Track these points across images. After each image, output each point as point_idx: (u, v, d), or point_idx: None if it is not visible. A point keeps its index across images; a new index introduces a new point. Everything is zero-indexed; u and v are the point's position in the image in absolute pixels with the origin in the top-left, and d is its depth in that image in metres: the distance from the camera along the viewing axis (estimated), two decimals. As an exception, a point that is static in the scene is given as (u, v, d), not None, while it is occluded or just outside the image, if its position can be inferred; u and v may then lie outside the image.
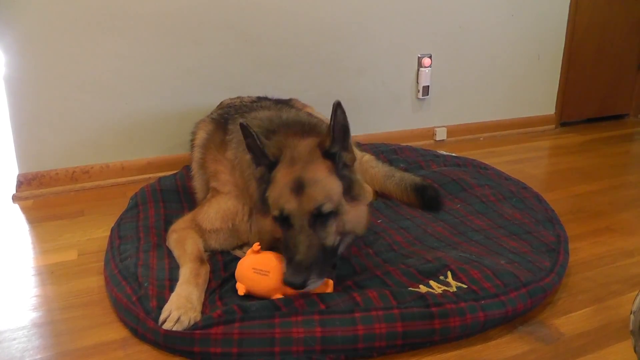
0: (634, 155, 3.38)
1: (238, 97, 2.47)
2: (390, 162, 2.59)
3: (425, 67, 3.28)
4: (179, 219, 1.86)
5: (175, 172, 2.50)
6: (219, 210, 1.79)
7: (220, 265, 1.73)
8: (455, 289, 1.54)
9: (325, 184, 1.50)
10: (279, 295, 1.50)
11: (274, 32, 2.85)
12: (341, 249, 1.62)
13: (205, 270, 1.61)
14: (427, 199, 2.18)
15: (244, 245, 1.83)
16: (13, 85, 2.45)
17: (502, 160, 3.07)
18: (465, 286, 1.55)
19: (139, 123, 2.69)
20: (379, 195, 2.32)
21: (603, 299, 1.66)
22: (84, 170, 2.64)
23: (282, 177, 1.52)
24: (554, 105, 3.83)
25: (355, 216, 1.58)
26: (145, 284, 1.56)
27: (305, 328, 1.38)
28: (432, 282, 1.58)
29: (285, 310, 1.43)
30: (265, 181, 1.57)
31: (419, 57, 3.28)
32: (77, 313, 1.59)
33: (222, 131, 1.95)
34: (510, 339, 1.48)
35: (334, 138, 1.52)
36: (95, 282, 1.76)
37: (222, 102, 2.48)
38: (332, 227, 1.51)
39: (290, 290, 1.48)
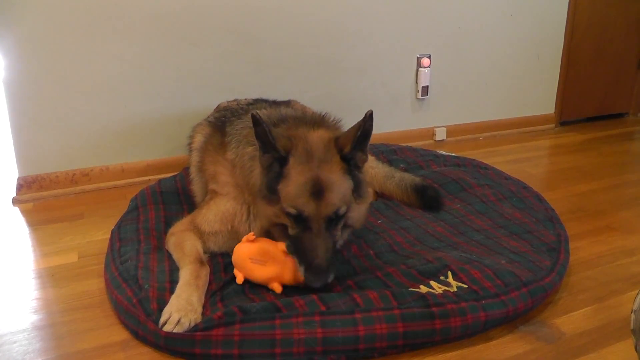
0: (634, 154, 3.38)
1: (235, 100, 2.47)
2: (390, 163, 2.59)
3: (425, 67, 3.29)
4: (177, 222, 1.86)
5: (175, 174, 2.50)
6: (217, 213, 1.79)
7: (221, 267, 1.73)
8: (455, 289, 1.54)
9: (341, 187, 1.54)
10: (276, 284, 1.55)
11: (273, 33, 2.85)
12: (340, 243, 1.69)
13: (205, 272, 1.61)
14: (427, 199, 2.18)
15: None
16: (13, 88, 2.45)
17: (502, 159, 3.07)
18: (465, 286, 1.55)
19: (139, 125, 2.69)
20: (379, 195, 2.32)
21: (604, 298, 1.66)
22: (84, 172, 2.64)
23: (298, 175, 1.51)
24: (554, 104, 3.83)
25: (359, 213, 1.65)
26: (146, 286, 1.56)
27: (306, 329, 1.37)
28: (432, 283, 1.58)
29: (285, 312, 1.43)
30: (274, 172, 1.56)
31: (418, 58, 3.28)
32: (77, 315, 1.59)
33: (220, 134, 1.95)
34: (511, 339, 1.48)
35: (356, 142, 1.54)
36: (95, 285, 1.76)
37: (219, 105, 2.49)
38: (341, 225, 1.58)
39: (286, 279, 1.55)
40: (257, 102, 2.31)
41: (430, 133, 3.46)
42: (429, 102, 3.40)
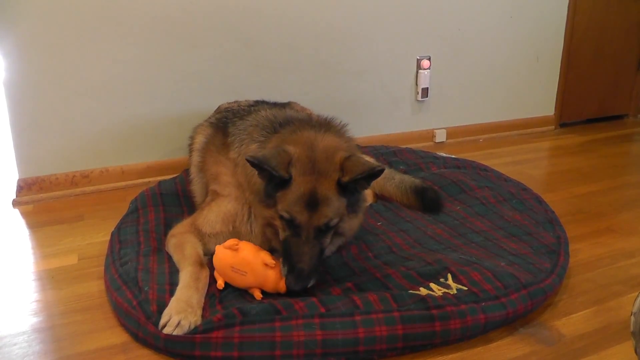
0: (634, 155, 3.38)
1: (235, 102, 2.47)
2: (390, 164, 2.59)
3: (425, 69, 3.29)
4: (177, 224, 1.86)
5: (175, 175, 2.50)
6: (219, 214, 1.79)
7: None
8: (455, 291, 1.54)
9: (336, 202, 1.55)
10: (256, 290, 1.58)
11: (273, 35, 2.86)
12: (332, 250, 1.72)
13: (205, 274, 1.61)
14: (427, 201, 2.18)
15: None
16: (13, 89, 2.45)
17: (501, 161, 3.07)
18: (465, 288, 1.55)
19: (139, 127, 2.69)
20: (379, 197, 2.32)
21: (603, 300, 1.66)
22: (83, 174, 2.64)
23: (297, 186, 1.52)
24: (554, 106, 3.83)
25: (351, 225, 1.66)
26: (146, 288, 1.56)
27: (306, 331, 1.38)
28: (432, 285, 1.58)
29: (285, 314, 1.43)
30: (274, 182, 1.55)
31: (418, 59, 3.28)
32: (77, 318, 1.59)
33: (222, 134, 1.96)
34: (511, 341, 1.48)
35: (359, 179, 1.54)
36: (95, 287, 1.75)
37: (219, 107, 2.49)
38: (330, 235, 1.60)
39: (268, 286, 1.57)
40: (258, 103, 2.31)
41: (430, 135, 3.46)
42: (429, 103, 3.40)
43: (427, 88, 3.33)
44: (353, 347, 1.38)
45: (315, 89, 3.02)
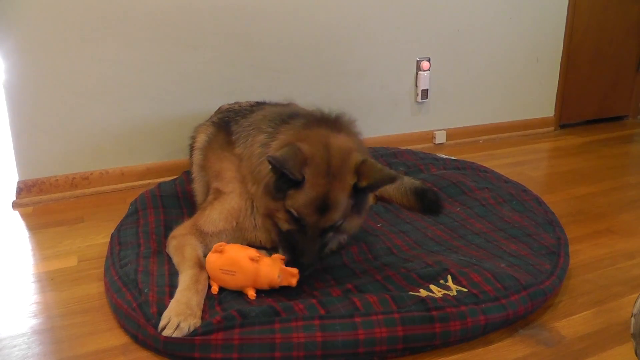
0: (634, 156, 3.38)
1: (236, 103, 2.47)
2: (390, 166, 2.59)
3: (424, 70, 3.29)
4: (178, 226, 1.85)
5: (174, 177, 2.50)
6: (222, 211, 1.78)
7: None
8: (455, 293, 1.54)
9: (345, 204, 1.57)
10: (250, 290, 1.57)
11: (273, 36, 2.86)
12: (330, 248, 1.75)
13: (204, 276, 1.61)
14: (426, 202, 2.18)
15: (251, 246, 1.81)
16: (13, 91, 2.45)
17: (501, 162, 3.07)
18: (465, 290, 1.55)
19: (138, 129, 2.69)
20: (379, 199, 2.31)
21: (604, 301, 1.66)
22: (83, 176, 2.64)
23: (310, 188, 1.53)
24: (553, 107, 3.83)
25: (352, 224, 1.69)
26: (146, 290, 1.56)
27: (306, 333, 1.37)
28: (432, 286, 1.58)
29: (285, 316, 1.43)
30: (286, 180, 1.54)
31: (417, 61, 3.28)
32: (77, 319, 1.59)
33: (225, 133, 1.97)
34: (511, 342, 1.48)
35: (375, 184, 1.60)
36: (95, 289, 1.75)
37: (220, 108, 2.48)
38: (332, 233, 1.63)
39: (261, 283, 1.56)
40: (259, 104, 2.31)
41: (429, 136, 3.46)
42: (429, 105, 3.40)
43: (427, 89, 3.33)
44: (353, 349, 1.37)
45: (315, 91, 3.02)
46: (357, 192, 1.59)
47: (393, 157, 2.80)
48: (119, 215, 2.16)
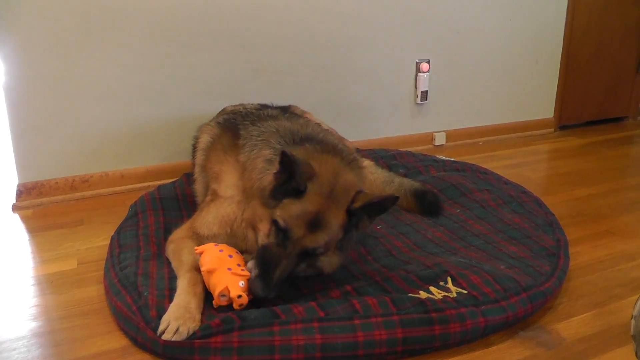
0: (634, 157, 3.38)
1: (240, 104, 2.48)
2: (390, 168, 2.59)
3: (424, 72, 3.29)
4: (176, 229, 1.85)
5: (174, 180, 2.50)
6: (217, 216, 1.77)
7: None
8: (455, 295, 1.54)
9: (333, 233, 1.53)
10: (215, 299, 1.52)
11: (272, 38, 2.86)
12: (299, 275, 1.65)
13: (202, 279, 1.61)
14: (426, 204, 2.18)
15: (243, 252, 1.81)
16: (13, 94, 2.45)
17: (501, 164, 3.07)
18: (465, 292, 1.55)
19: (138, 131, 2.69)
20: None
21: (604, 303, 1.66)
22: (83, 179, 2.64)
23: (309, 202, 1.51)
24: (553, 108, 3.84)
25: (332, 261, 1.61)
26: (145, 293, 1.56)
27: (305, 335, 1.37)
28: (432, 288, 1.58)
29: (284, 318, 1.43)
30: (288, 187, 1.54)
31: (417, 63, 3.28)
32: (76, 322, 1.59)
33: (231, 135, 1.94)
34: (511, 344, 1.48)
35: (367, 206, 1.55)
36: (95, 291, 1.75)
37: (224, 109, 2.48)
38: (312, 263, 1.57)
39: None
40: (263, 107, 2.31)
41: (429, 138, 3.46)
42: (428, 107, 3.40)
43: (427, 91, 3.33)
44: (352, 351, 1.37)
45: (314, 93, 3.03)
46: (350, 224, 1.56)
47: (393, 159, 2.80)
48: (118, 217, 2.16)
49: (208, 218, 1.78)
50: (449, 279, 1.61)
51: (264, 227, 1.56)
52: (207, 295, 1.58)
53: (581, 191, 2.64)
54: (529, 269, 1.71)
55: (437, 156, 2.91)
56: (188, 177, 2.32)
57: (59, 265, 1.95)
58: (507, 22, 3.49)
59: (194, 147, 2.19)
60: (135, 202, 2.23)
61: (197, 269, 1.63)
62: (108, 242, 1.96)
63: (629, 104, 4.11)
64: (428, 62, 3.30)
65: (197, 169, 2.09)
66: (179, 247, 1.74)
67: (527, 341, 1.49)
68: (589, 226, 2.23)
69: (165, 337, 1.38)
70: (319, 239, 1.51)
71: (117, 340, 1.50)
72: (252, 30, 2.81)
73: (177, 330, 1.39)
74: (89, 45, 2.51)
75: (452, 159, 2.86)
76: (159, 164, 2.77)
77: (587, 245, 2.05)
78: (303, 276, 1.63)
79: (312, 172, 1.53)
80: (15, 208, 2.52)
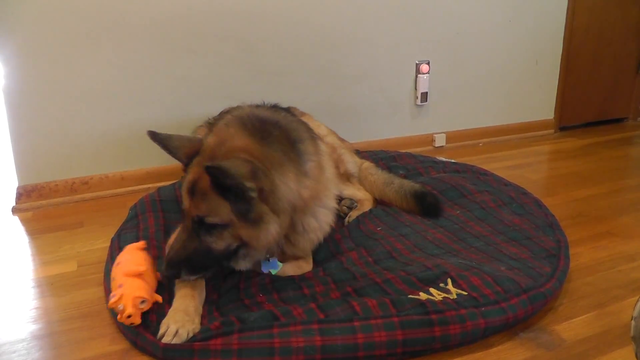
0: (634, 158, 3.38)
1: (238, 106, 2.47)
2: (390, 169, 2.59)
3: (424, 73, 3.29)
4: (175, 231, 1.85)
5: (174, 181, 2.49)
6: None
7: (220, 276, 1.72)
8: (455, 296, 1.54)
9: (213, 199, 1.48)
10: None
11: (271, 40, 2.86)
12: (246, 264, 1.64)
13: (201, 281, 1.60)
14: (426, 205, 2.17)
15: None
16: (12, 96, 2.46)
17: (501, 165, 3.07)
18: (465, 293, 1.55)
19: (138, 133, 2.69)
20: (379, 202, 2.31)
21: (604, 304, 1.66)
22: (83, 181, 2.64)
23: (190, 172, 1.55)
24: (553, 109, 3.84)
25: (251, 235, 1.52)
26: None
27: (305, 337, 1.37)
28: (432, 290, 1.57)
29: (284, 320, 1.43)
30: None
31: (417, 64, 3.29)
32: (76, 325, 1.59)
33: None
34: (511, 346, 1.47)
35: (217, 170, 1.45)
36: (95, 294, 1.75)
37: (223, 111, 2.48)
38: (218, 235, 1.51)
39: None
40: (259, 107, 2.31)
41: (429, 139, 3.46)
42: (428, 108, 3.41)
43: (427, 92, 3.33)
44: (352, 353, 1.37)
45: (314, 94, 3.03)
46: (231, 193, 1.46)
47: (393, 160, 2.80)
48: (118, 219, 2.16)
49: None
50: (449, 280, 1.61)
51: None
52: (207, 298, 1.58)
53: (581, 192, 2.64)
54: (530, 270, 1.71)
55: (437, 157, 2.91)
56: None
57: (59, 268, 1.95)
58: (507, 24, 3.49)
59: None
60: (135, 204, 2.22)
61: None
62: (108, 244, 1.96)
63: (629, 104, 4.11)
64: (428, 64, 3.30)
65: None
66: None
67: (527, 342, 1.48)
68: (589, 227, 2.23)
69: (165, 340, 1.38)
70: (199, 206, 1.49)
71: (117, 343, 1.50)
72: (252, 32, 2.81)
73: (176, 333, 1.39)
74: (89, 47, 2.51)
75: (452, 161, 2.86)
76: (158, 166, 2.77)
77: (587, 246, 2.05)
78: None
79: (196, 147, 1.58)
80: (15, 210, 2.52)
